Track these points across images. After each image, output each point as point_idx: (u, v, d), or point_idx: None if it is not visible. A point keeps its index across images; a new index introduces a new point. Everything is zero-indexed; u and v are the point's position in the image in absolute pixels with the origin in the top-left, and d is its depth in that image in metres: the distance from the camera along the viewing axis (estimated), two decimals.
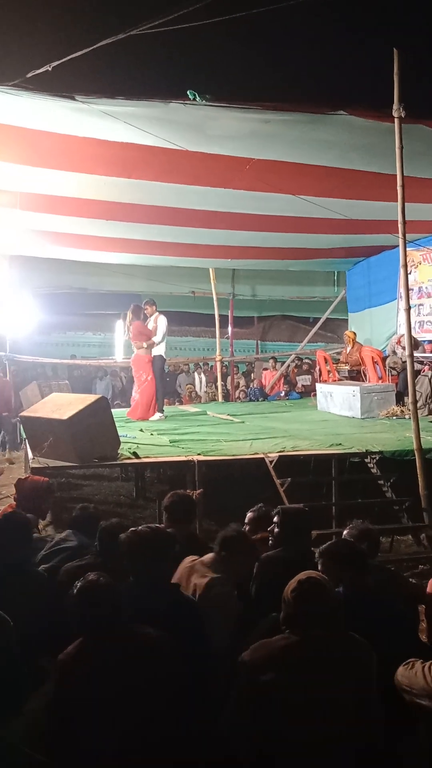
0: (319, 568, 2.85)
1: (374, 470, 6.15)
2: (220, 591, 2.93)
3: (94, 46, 4.74)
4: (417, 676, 2.21)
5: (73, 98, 5.07)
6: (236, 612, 2.94)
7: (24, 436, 7.42)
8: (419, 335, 10.01)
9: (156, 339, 9.11)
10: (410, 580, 4.04)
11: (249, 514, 3.84)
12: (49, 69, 4.85)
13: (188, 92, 5.06)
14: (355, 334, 11.05)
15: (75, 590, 2.40)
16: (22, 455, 9.26)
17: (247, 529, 3.77)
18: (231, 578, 3.03)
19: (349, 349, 10.90)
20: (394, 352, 9.91)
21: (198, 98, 5.07)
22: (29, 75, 4.94)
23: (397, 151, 5.49)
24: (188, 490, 5.20)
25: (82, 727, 2.20)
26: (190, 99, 5.06)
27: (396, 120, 5.43)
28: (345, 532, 3.46)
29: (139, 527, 2.91)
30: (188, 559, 3.17)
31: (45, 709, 2.32)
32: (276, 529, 3.39)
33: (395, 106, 5.40)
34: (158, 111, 5.33)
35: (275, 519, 3.44)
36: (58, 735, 2.23)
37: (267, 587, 3.03)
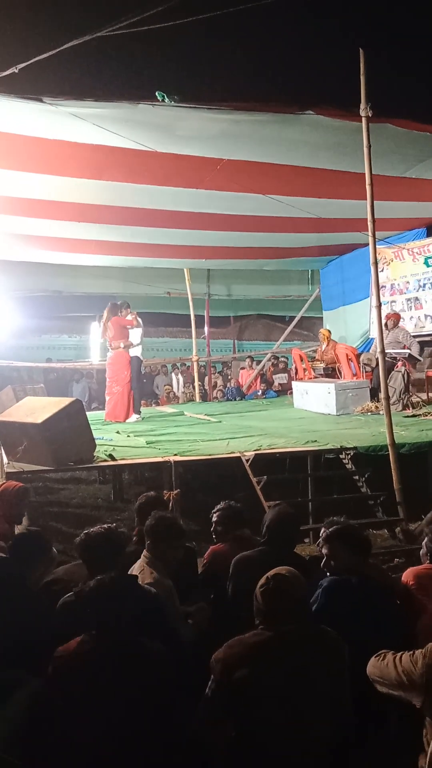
0: (325, 551, 2.89)
1: (349, 466, 6.21)
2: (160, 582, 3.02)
3: (61, 48, 4.72)
4: (388, 667, 2.24)
5: (40, 100, 5.05)
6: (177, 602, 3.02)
7: None
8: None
9: (133, 340, 9.09)
10: (388, 573, 4.08)
11: (217, 513, 3.84)
12: (16, 71, 4.82)
13: (157, 93, 5.07)
14: (329, 332, 11.15)
15: (91, 587, 2.40)
16: None
17: (218, 530, 3.79)
18: (163, 567, 3.14)
19: (324, 346, 10.98)
20: (385, 326, 9.68)
21: (166, 99, 5.08)
22: None
23: (365, 149, 5.55)
24: (165, 491, 5.23)
25: (66, 723, 2.20)
26: (158, 100, 5.08)
27: (363, 119, 5.49)
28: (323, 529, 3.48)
29: (93, 529, 3.01)
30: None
31: (28, 703, 2.31)
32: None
33: (362, 106, 5.46)
34: (127, 112, 5.33)
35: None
36: (39, 730, 2.22)
37: (243, 587, 3.06)
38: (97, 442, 6.23)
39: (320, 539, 3.02)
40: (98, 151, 6.14)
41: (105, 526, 3.14)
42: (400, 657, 2.29)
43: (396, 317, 9.60)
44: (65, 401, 5.92)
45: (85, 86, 5.25)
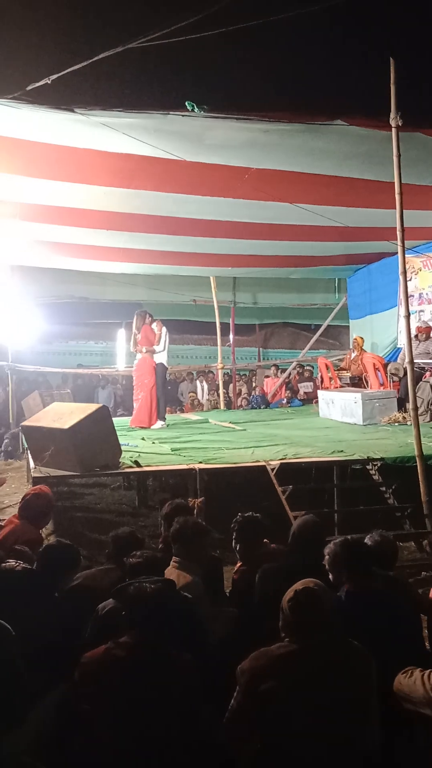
0: (326, 567, 2.88)
1: (376, 477, 6.15)
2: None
3: (93, 59, 4.79)
4: (416, 685, 2.21)
5: (72, 110, 5.12)
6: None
7: (26, 446, 7.43)
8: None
9: (158, 347, 9.16)
10: (416, 589, 4.02)
11: (235, 531, 3.77)
12: (49, 82, 4.90)
13: (186, 103, 5.10)
14: (363, 339, 11.07)
15: (132, 591, 2.40)
16: (23, 464, 9.27)
17: (238, 548, 3.76)
18: (195, 567, 3.16)
19: (354, 354, 10.91)
20: (416, 337, 9.63)
21: (196, 109, 5.11)
22: (29, 88, 4.99)
23: (395, 159, 5.52)
24: (189, 499, 5.23)
25: (91, 729, 2.20)
26: (188, 110, 5.11)
27: (393, 129, 5.46)
28: (366, 540, 3.44)
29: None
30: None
31: (56, 709, 2.32)
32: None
33: (392, 115, 5.43)
34: (157, 122, 5.38)
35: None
36: (65, 736, 2.23)
37: (269, 597, 3.04)
38: (122, 448, 6.26)
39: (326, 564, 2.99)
40: (127, 160, 6.20)
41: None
42: (428, 675, 2.25)
43: (428, 330, 9.57)
44: (92, 407, 5.98)
45: (115, 96, 5.30)
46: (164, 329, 9.30)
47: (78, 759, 2.25)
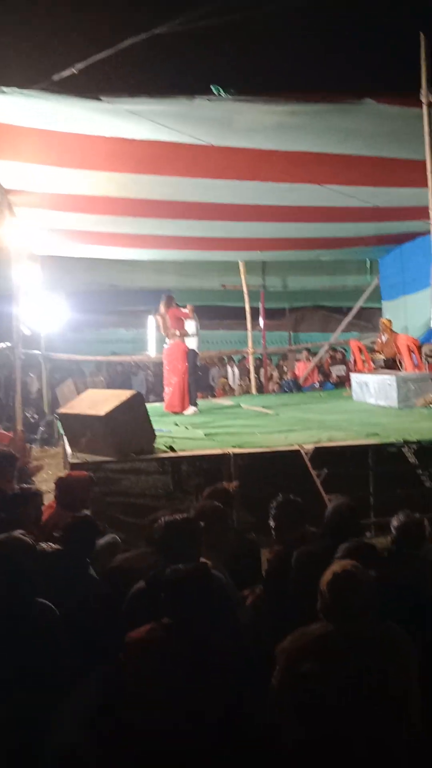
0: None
1: (412, 460, 6.10)
2: None
3: (118, 47, 4.82)
4: None
5: (98, 99, 5.13)
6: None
7: (61, 432, 7.55)
8: None
9: (190, 330, 9.15)
10: None
11: (274, 511, 3.77)
12: (75, 71, 4.93)
13: (212, 87, 5.08)
14: (390, 321, 10.91)
15: (168, 576, 2.43)
16: (60, 451, 9.42)
17: (277, 528, 3.76)
18: (216, 556, 3.15)
19: (384, 337, 10.78)
20: None
21: (223, 93, 5.09)
22: (55, 78, 5.03)
23: (426, 136, 5.43)
24: (224, 483, 5.26)
25: (136, 709, 2.26)
26: (214, 94, 5.08)
27: (424, 105, 5.36)
28: (393, 522, 3.44)
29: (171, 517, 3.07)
30: None
31: (99, 689, 2.39)
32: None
33: (423, 91, 5.34)
34: (183, 107, 5.36)
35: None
36: (110, 715, 2.28)
37: (305, 580, 3.06)
38: (156, 433, 6.32)
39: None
40: (155, 147, 6.20)
41: (182, 516, 3.15)
42: None
43: None
44: (126, 394, 6.04)
45: (141, 83, 5.31)
46: (195, 315, 9.30)
47: (121, 735, 2.31)
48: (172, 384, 9.19)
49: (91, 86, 5.14)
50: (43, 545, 3.24)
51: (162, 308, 9.25)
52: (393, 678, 2.23)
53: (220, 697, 2.26)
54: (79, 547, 3.28)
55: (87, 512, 3.86)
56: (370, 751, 2.17)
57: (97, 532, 3.48)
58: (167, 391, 9.29)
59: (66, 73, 5.15)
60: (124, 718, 2.28)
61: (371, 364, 10.74)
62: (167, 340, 9.35)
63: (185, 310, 9.26)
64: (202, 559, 2.80)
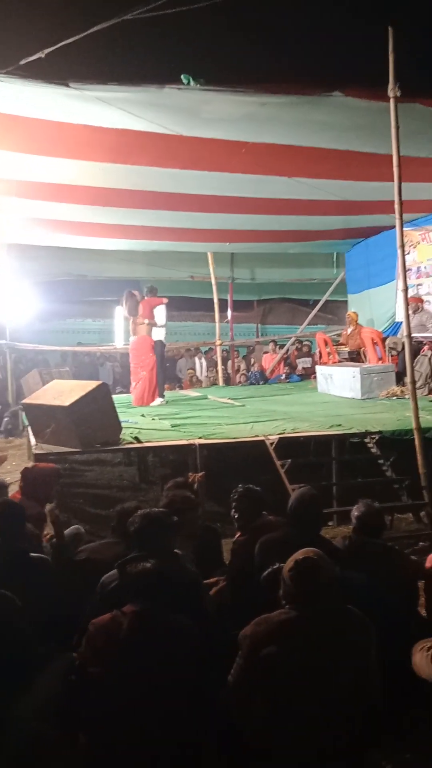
0: None
1: (374, 450, 6.21)
2: None
3: (87, 32, 4.72)
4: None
5: (66, 85, 5.05)
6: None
7: (26, 423, 7.48)
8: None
9: (158, 320, 9.10)
10: (411, 556, 4.11)
11: (234, 501, 3.80)
12: (42, 56, 4.83)
13: (182, 76, 5.05)
14: (357, 314, 11.05)
15: (136, 567, 2.44)
16: (24, 442, 9.33)
17: (237, 518, 3.79)
18: (186, 544, 3.20)
19: (350, 330, 10.90)
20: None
21: (192, 82, 5.06)
22: (22, 62, 4.93)
23: (393, 130, 5.48)
24: (190, 474, 5.29)
25: (99, 694, 2.27)
26: (184, 83, 5.06)
27: (392, 99, 5.41)
28: (353, 511, 3.51)
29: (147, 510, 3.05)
30: None
31: (62, 675, 2.39)
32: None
33: (390, 86, 5.38)
34: (153, 96, 5.32)
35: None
36: (73, 701, 2.29)
37: (269, 567, 3.10)
38: (122, 424, 6.31)
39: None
40: (124, 136, 6.14)
41: (158, 509, 3.14)
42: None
43: (416, 301, 9.52)
44: (92, 384, 6.01)
45: (110, 70, 5.23)
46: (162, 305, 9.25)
47: (84, 722, 2.32)
48: (140, 378, 9.14)
49: (59, 72, 5.05)
50: None
51: (130, 306, 9.11)
52: (354, 660, 2.28)
53: (183, 684, 2.28)
54: (6, 534, 3.24)
55: (52, 504, 3.84)
56: (331, 730, 2.21)
57: (22, 513, 3.43)
58: (134, 385, 9.24)
59: (34, 57, 5.05)
60: (85, 706, 2.28)
61: (336, 356, 10.87)
62: (132, 335, 9.25)
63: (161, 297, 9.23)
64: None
